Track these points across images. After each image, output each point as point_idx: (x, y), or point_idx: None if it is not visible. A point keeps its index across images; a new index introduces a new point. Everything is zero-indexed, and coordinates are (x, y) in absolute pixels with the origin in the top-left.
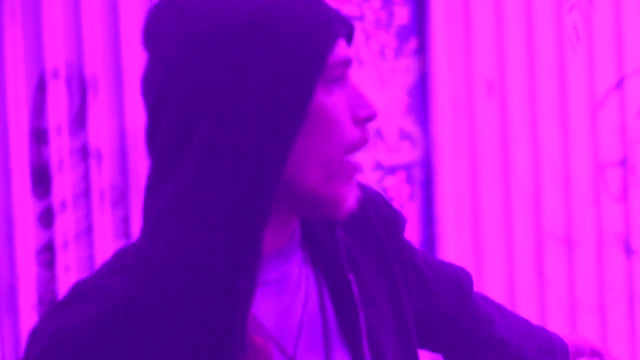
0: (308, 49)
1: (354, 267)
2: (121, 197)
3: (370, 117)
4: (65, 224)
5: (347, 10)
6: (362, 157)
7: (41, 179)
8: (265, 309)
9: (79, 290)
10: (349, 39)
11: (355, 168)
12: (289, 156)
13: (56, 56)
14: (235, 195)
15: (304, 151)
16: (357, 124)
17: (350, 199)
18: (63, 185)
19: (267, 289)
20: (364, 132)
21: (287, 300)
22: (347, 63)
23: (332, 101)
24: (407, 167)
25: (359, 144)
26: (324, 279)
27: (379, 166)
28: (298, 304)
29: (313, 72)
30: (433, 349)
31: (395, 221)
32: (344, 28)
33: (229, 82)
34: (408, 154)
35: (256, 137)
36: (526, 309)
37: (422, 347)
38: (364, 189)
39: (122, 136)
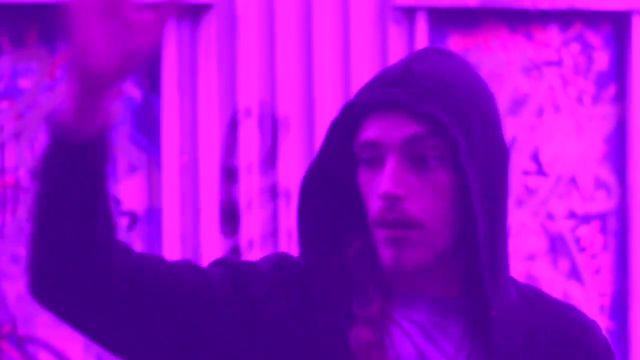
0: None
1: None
2: None
3: (381, 194)
4: None
5: (545, 55)
6: (556, 206)
7: (230, 218)
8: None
9: None
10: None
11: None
12: None
13: (250, 95)
14: None
15: None
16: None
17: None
18: (251, 224)
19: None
20: (381, 207)
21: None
22: (370, 145)
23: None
24: (602, 217)
25: (377, 218)
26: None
27: (573, 215)
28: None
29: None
30: None
31: None
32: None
33: None
34: (603, 203)
35: None
36: None
37: None
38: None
39: None
